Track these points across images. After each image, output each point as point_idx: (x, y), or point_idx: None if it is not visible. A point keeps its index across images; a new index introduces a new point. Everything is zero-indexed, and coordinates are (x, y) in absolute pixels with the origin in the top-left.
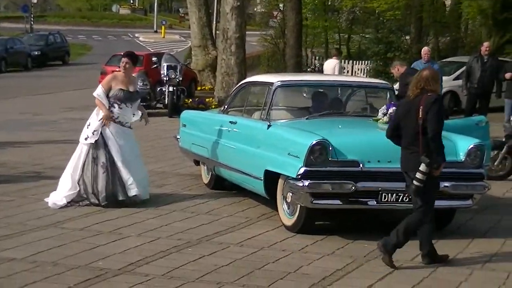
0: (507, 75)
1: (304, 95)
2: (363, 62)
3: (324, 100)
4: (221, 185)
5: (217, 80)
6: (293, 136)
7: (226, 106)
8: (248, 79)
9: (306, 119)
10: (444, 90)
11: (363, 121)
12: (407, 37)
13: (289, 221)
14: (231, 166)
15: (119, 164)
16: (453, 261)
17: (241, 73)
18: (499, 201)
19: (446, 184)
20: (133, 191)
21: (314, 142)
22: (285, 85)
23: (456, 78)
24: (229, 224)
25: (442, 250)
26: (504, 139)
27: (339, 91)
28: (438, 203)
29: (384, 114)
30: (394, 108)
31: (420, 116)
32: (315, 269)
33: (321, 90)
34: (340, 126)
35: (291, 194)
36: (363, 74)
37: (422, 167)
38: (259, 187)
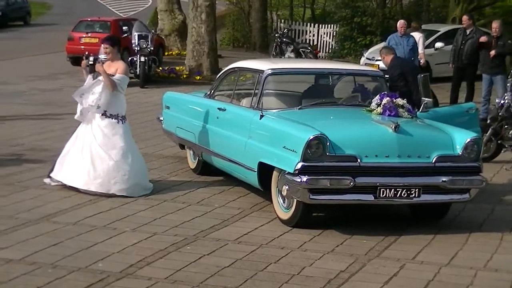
0: (492, 52)
1: (296, 83)
2: (329, 26)
3: (316, 88)
4: (208, 170)
5: (188, 48)
6: (289, 129)
7: (212, 91)
8: (236, 64)
9: (299, 109)
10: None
11: (357, 111)
12: None
13: (285, 215)
14: (222, 154)
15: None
16: (455, 260)
17: (211, 41)
18: (488, 187)
19: (444, 178)
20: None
21: (312, 137)
22: (276, 73)
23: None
24: (223, 217)
25: (441, 246)
26: (488, 121)
27: (330, 79)
28: (435, 197)
29: (378, 105)
30: (387, 98)
31: None
32: (318, 271)
33: (313, 78)
34: (332, 117)
35: (287, 188)
36: (330, 39)
37: None
38: (252, 179)
